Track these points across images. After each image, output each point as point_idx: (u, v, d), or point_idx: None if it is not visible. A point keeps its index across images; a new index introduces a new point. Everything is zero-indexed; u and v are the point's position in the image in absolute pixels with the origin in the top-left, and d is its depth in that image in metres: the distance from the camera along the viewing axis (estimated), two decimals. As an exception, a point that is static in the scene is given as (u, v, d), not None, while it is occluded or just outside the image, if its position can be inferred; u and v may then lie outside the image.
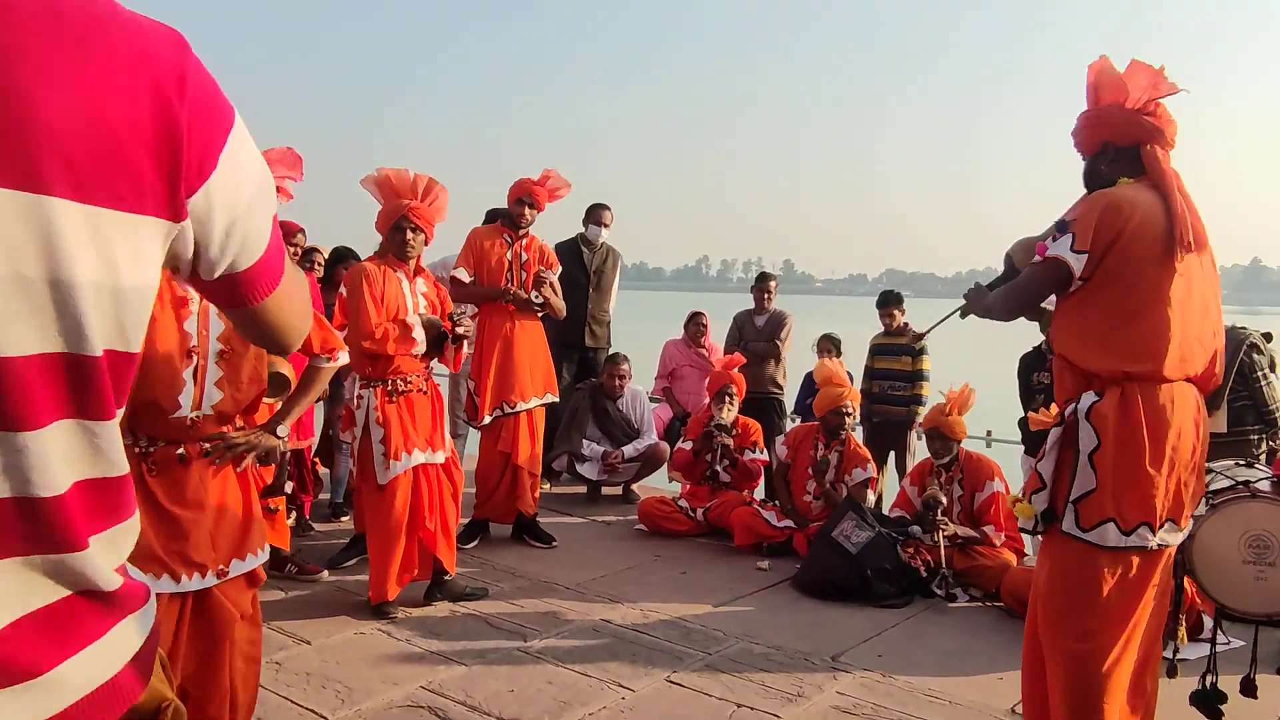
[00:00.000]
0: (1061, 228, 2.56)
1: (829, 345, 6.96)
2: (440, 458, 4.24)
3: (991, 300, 2.83)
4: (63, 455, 0.82)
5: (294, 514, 5.43)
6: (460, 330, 4.23)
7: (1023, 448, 5.38)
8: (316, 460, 5.95)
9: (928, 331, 3.54)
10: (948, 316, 3.19)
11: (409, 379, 4.19)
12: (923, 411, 6.64)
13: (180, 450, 2.40)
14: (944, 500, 4.81)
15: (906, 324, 6.78)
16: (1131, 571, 2.50)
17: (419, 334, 4.14)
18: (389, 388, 4.16)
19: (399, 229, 4.18)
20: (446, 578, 4.32)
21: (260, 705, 3.22)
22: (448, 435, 4.34)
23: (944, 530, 4.70)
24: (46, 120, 0.74)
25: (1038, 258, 2.58)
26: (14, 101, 0.73)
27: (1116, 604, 2.49)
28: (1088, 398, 2.53)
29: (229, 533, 2.50)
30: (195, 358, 2.38)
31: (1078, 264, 2.50)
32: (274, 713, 3.21)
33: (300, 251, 5.50)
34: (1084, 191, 2.71)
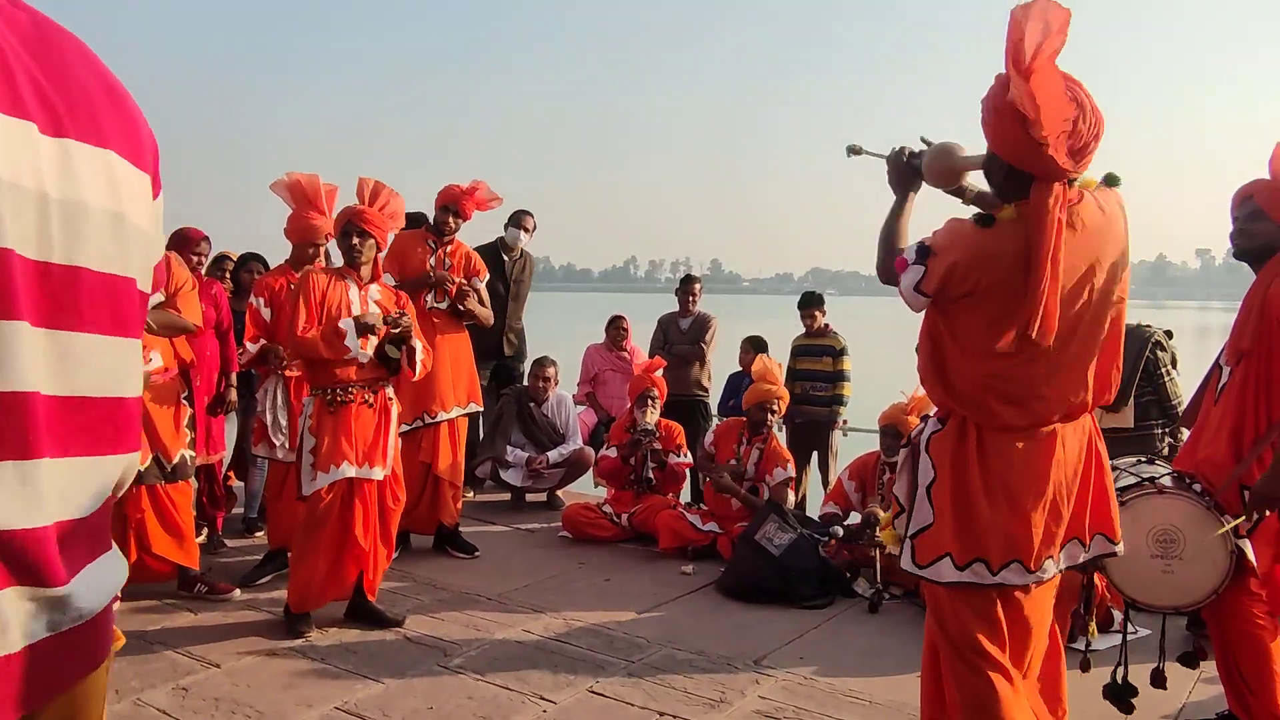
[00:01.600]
0: (922, 254, 2.35)
1: (751, 347, 6.99)
2: (378, 474, 4.09)
3: (890, 214, 2.57)
4: (134, 370, 1.05)
5: (205, 530, 5.25)
6: (397, 331, 4.05)
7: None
8: (230, 474, 5.78)
9: (867, 152, 2.76)
10: (882, 155, 2.66)
11: (350, 389, 4.06)
12: (844, 411, 6.72)
13: None
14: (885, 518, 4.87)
15: (827, 325, 6.85)
16: (994, 606, 2.39)
17: (352, 341, 3.97)
18: (328, 397, 4.04)
19: (346, 234, 4.12)
20: (365, 601, 4.18)
21: (165, 734, 3.10)
22: (391, 452, 4.18)
23: (881, 549, 4.72)
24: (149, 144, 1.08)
25: (897, 269, 2.40)
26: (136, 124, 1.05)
27: (990, 636, 2.39)
28: (931, 425, 2.48)
29: None
30: None
31: (913, 301, 2.39)
32: (179, 742, 3.08)
33: (205, 259, 5.31)
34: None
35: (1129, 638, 3.17)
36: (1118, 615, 3.83)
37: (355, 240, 4.11)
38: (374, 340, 4.09)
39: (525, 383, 6.64)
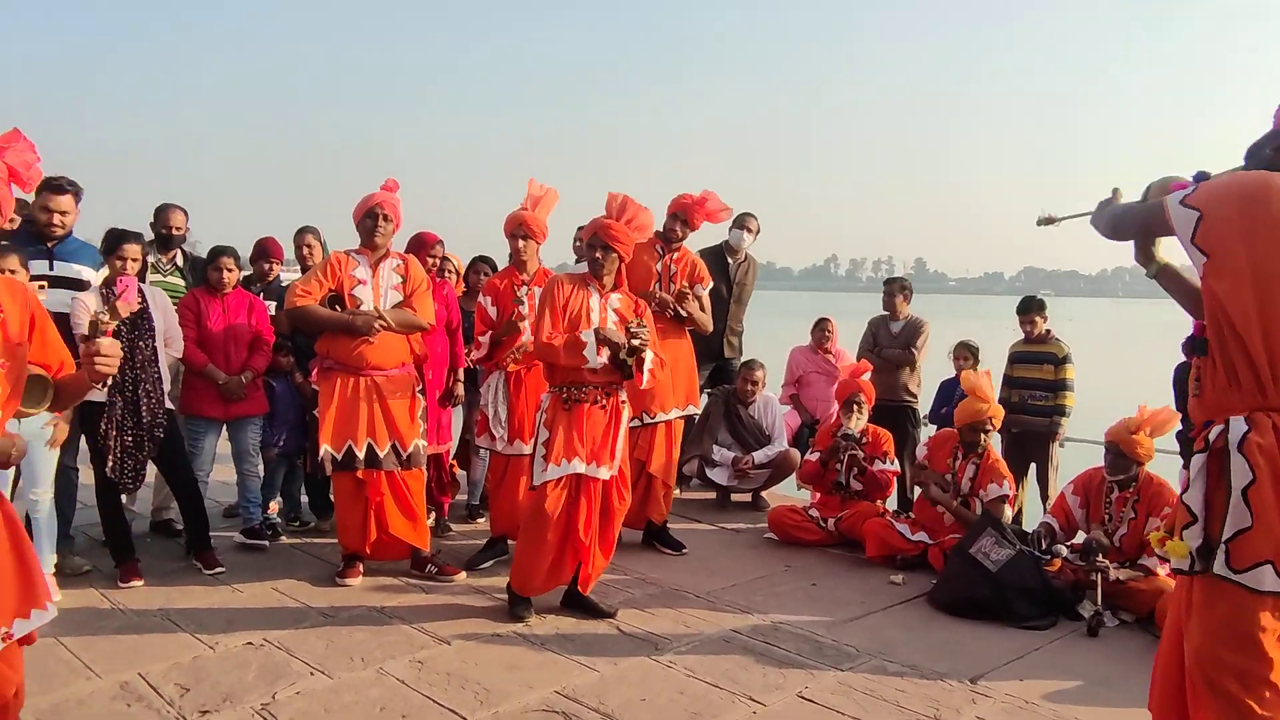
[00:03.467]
0: (1199, 177, 2.43)
1: (966, 353, 6.75)
2: (604, 474, 4.23)
3: (1107, 213, 2.72)
4: None
5: (433, 515, 5.62)
6: (635, 343, 4.19)
7: (1182, 461, 5.09)
8: (454, 463, 6.15)
9: (1061, 219, 3.12)
10: (1081, 215, 2.91)
11: (584, 389, 4.24)
12: (1065, 423, 6.36)
13: None
14: (1107, 544, 4.61)
15: (1049, 330, 6.51)
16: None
17: (590, 352, 4.14)
18: (563, 395, 4.25)
19: (592, 246, 4.36)
20: (580, 593, 4.37)
21: (403, 703, 3.37)
22: (620, 453, 4.33)
23: (1104, 575, 4.47)
24: None
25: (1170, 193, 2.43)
26: None
27: (1275, 650, 2.27)
28: (1237, 424, 2.30)
29: (11, 582, 2.11)
30: None
31: (1178, 217, 2.35)
32: (417, 711, 3.33)
33: (439, 262, 5.67)
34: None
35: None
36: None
37: (599, 254, 4.32)
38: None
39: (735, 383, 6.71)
